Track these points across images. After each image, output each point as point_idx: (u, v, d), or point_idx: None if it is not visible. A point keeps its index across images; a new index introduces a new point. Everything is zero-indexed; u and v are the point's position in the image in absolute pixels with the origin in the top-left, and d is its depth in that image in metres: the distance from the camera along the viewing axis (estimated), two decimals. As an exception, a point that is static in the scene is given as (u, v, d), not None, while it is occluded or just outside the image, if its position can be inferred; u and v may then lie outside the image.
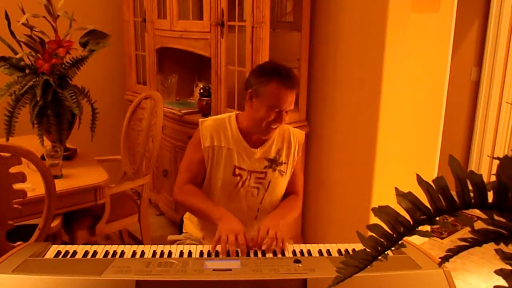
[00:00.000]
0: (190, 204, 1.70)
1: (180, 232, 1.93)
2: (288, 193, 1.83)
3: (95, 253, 1.38)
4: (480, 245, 0.60)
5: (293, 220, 1.80)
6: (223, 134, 1.71)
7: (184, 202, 1.72)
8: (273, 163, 1.75)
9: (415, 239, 1.19)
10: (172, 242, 1.81)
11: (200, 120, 1.77)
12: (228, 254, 1.40)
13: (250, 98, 1.67)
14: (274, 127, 1.66)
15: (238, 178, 1.71)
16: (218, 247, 1.43)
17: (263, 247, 1.45)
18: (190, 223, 1.87)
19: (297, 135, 1.81)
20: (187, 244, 1.77)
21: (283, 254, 1.42)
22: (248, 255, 1.43)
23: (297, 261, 1.29)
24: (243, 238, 1.45)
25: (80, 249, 1.40)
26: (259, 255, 1.42)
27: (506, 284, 0.60)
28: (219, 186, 1.72)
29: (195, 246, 1.46)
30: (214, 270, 1.23)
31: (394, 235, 0.61)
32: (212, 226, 1.59)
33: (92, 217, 2.41)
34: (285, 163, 1.76)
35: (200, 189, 1.74)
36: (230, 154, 1.70)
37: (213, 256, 1.40)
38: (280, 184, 1.77)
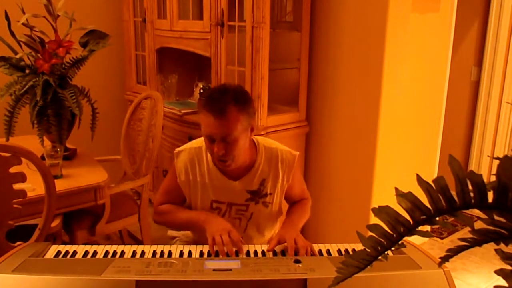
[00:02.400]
0: (172, 221, 1.67)
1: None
2: (295, 200, 1.76)
3: (95, 253, 1.38)
4: (480, 245, 0.60)
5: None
6: (198, 167, 1.62)
7: (165, 222, 1.68)
8: (256, 195, 1.62)
9: (415, 239, 1.19)
10: (172, 238, 1.80)
11: (176, 151, 1.66)
12: (228, 254, 1.40)
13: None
14: (221, 159, 1.50)
15: (217, 211, 1.64)
16: (216, 249, 1.42)
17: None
18: None
19: (287, 159, 1.63)
20: (184, 241, 1.77)
21: (283, 254, 1.42)
22: (248, 255, 1.43)
23: (297, 261, 1.29)
24: (236, 234, 1.44)
25: (80, 249, 1.40)
26: (259, 255, 1.42)
27: (506, 284, 0.60)
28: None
29: (195, 246, 1.46)
30: (214, 270, 1.23)
31: (394, 235, 0.61)
32: (200, 233, 1.57)
33: (92, 217, 2.41)
34: (270, 194, 1.63)
35: (175, 205, 1.68)
36: (205, 188, 1.61)
37: (213, 256, 1.39)
38: (265, 214, 1.66)
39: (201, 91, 3.01)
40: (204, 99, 1.49)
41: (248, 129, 1.51)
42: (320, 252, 1.45)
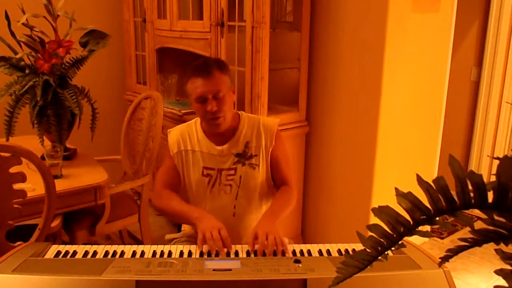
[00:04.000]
0: (168, 209, 1.72)
1: (179, 231, 1.93)
2: (278, 185, 1.80)
3: (95, 253, 1.38)
4: (480, 245, 0.60)
5: (289, 213, 1.76)
6: (189, 138, 1.77)
7: (162, 207, 1.74)
8: (242, 157, 1.74)
9: (415, 239, 1.19)
10: (170, 241, 1.81)
11: (168, 130, 1.85)
12: (228, 254, 1.40)
13: (190, 103, 1.74)
14: (214, 117, 1.65)
15: (208, 178, 1.73)
16: (205, 247, 1.43)
17: (267, 252, 1.43)
18: None
19: (268, 124, 1.78)
20: (184, 241, 1.77)
21: (283, 254, 1.42)
22: (248, 255, 1.43)
23: (297, 261, 1.29)
24: (226, 232, 1.46)
25: (80, 249, 1.40)
26: (259, 255, 1.42)
27: (506, 284, 0.60)
28: (193, 188, 1.76)
29: (195, 246, 1.46)
30: (214, 270, 1.23)
31: (394, 235, 0.61)
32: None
33: (92, 217, 2.41)
34: (255, 155, 1.74)
35: (176, 194, 1.75)
36: (196, 156, 1.75)
37: (213, 254, 1.40)
38: (253, 177, 1.74)
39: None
40: (190, 69, 1.68)
41: (231, 90, 1.71)
42: (320, 252, 1.45)
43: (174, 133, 1.81)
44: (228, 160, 1.73)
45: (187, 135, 1.78)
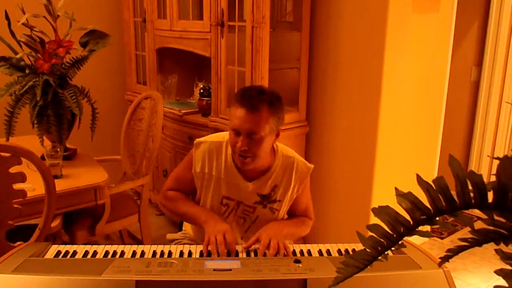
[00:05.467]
0: (176, 209, 1.69)
1: (180, 230, 1.93)
2: (298, 215, 1.75)
3: (95, 253, 1.38)
4: (480, 245, 0.60)
5: (298, 238, 1.73)
6: (216, 161, 1.63)
7: (170, 206, 1.71)
8: (266, 199, 1.63)
9: (415, 239, 1.19)
10: (171, 241, 1.81)
11: (196, 141, 1.67)
12: (228, 254, 1.40)
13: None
14: (242, 154, 1.52)
15: (225, 208, 1.65)
16: (209, 249, 1.43)
17: (268, 254, 1.42)
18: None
19: (301, 171, 1.65)
20: (185, 243, 1.77)
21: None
22: (248, 255, 1.43)
23: (297, 261, 1.29)
24: (231, 236, 1.45)
25: (80, 249, 1.40)
26: (259, 255, 1.42)
27: (506, 284, 0.60)
28: (207, 208, 1.68)
29: (195, 246, 1.46)
30: (214, 270, 1.23)
31: (394, 235, 0.61)
32: (200, 229, 1.59)
33: (92, 217, 2.41)
34: (279, 201, 1.64)
35: (185, 195, 1.71)
36: (219, 183, 1.63)
37: (205, 255, 1.40)
38: (270, 219, 1.65)
39: (201, 91, 3.01)
40: (241, 94, 1.53)
41: (274, 133, 1.55)
42: (320, 252, 1.45)
43: (202, 149, 1.64)
44: (251, 198, 1.63)
45: (214, 157, 1.63)
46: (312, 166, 1.68)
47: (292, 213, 1.74)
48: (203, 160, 1.64)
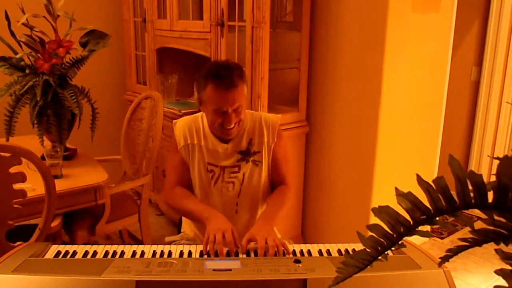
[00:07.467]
0: (180, 207, 1.71)
1: (179, 232, 1.93)
2: (276, 184, 1.79)
3: (95, 253, 1.38)
4: (480, 245, 0.60)
5: (288, 213, 1.75)
6: (195, 131, 1.74)
7: (174, 205, 1.72)
8: (246, 154, 1.73)
9: (415, 239, 1.19)
10: (169, 243, 1.81)
11: (174, 121, 1.79)
12: (228, 254, 1.40)
13: (199, 104, 1.70)
14: (227, 127, 1.63)
15: (211, 174, 1.72)
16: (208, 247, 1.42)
17: (268, 254, 1.42)
18: (186, 223, 1.89)
19: (270, 120, 1.76)
20: (183, 244, 1.77)
21: (283, 254, 1.42)
22: (248, 255, 1.43)
23: (297, 261, 1.29)
24: (231, 236, 1.45)
25: (80, 249, 1.40)
26: (260, 256, 1.42)
27: (506, 284, 0.60)
28: (197, 184, 1.75)
29: (195, 246, 1.46)
30: (214, 270, 1.23)
31: (394, 235, 0.61)
32: (203, 226, 1.59)
33: (92, 217, 2.41)
34: (258, 152, 1.73)
35: (188, 191, 1.74)
36: (201, 151, 1.73)
37: (212, 256, 1.39)
38: (256, 174, 1.74)
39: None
40: (214, 75, 1.59)
41: (246, 97, 1.69)
42: (320, 252, 1.45)
43: (181, 125, 1.77)
44: (232, 158, 1.72)
45: (193, 129, 1.75)
46: (279, 115, 1.81)
47: (274, 174, 1.78)
48: (184, 133, 1.74)
